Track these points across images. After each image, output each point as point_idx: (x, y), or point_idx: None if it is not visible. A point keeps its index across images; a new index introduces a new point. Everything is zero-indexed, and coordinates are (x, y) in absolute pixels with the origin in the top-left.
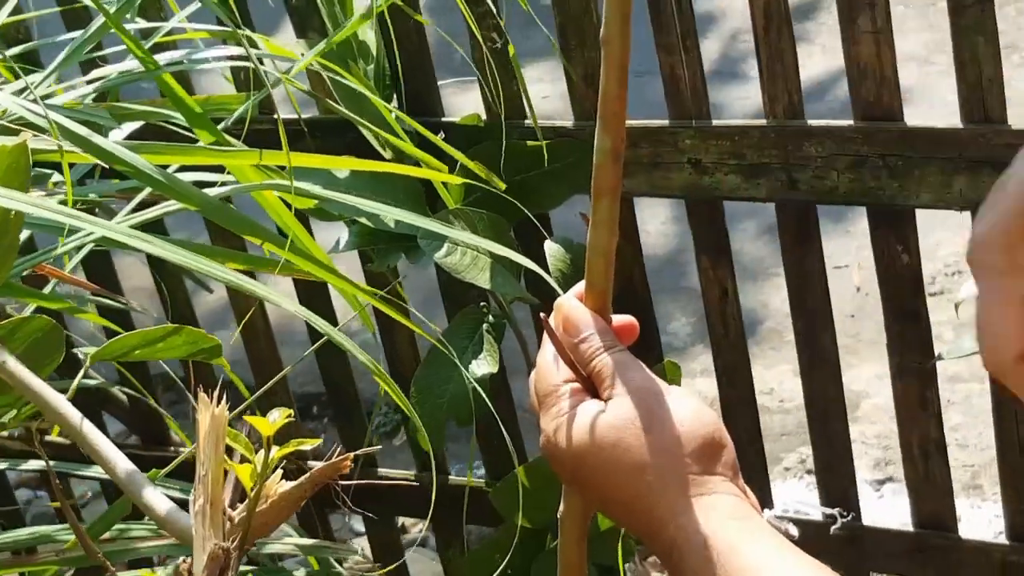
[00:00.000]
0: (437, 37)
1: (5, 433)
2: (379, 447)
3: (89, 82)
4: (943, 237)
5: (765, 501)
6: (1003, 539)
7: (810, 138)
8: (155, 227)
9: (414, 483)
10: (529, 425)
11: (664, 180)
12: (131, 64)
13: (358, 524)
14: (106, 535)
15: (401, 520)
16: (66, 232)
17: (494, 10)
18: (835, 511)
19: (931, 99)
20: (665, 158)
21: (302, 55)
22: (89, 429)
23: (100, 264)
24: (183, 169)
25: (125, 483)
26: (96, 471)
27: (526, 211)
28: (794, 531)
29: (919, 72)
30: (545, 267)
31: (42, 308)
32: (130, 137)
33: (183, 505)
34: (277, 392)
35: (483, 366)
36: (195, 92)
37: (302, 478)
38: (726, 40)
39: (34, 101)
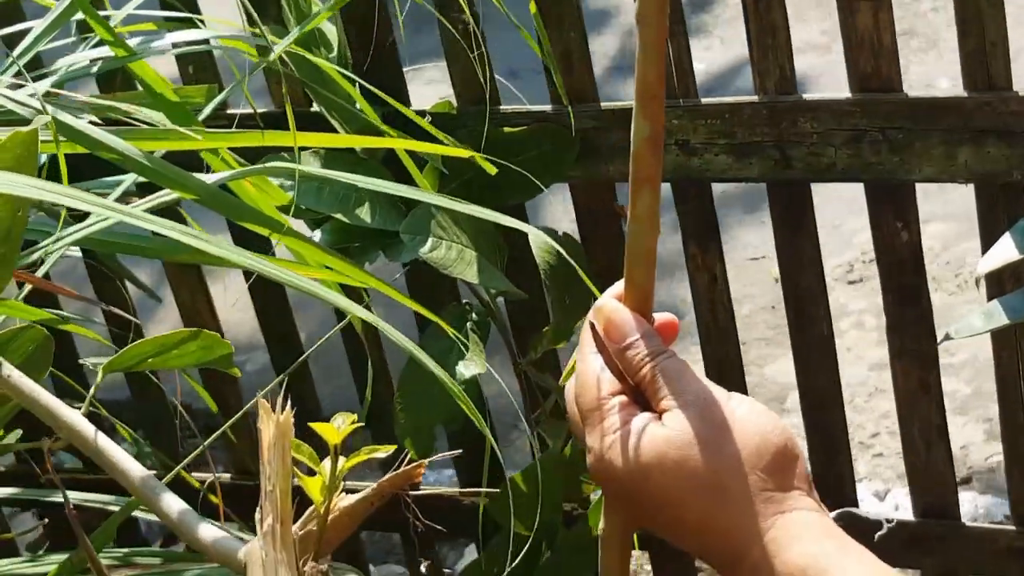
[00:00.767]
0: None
1: None
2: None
3: (43, 75)
4: (861, 223)
5: None
6: (1009, 525)
7: (805, 113)
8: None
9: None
10: (505, 428)
11: None
12: (89, 54)
13: None
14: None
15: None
16: (60, 226)
17: None
18: (882, 518)
19: (836, 87)
20: None
21: (273, 44)
22: (106, 443)
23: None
24: None
25: (176, 523)
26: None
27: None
28: None
29: (821, 60)
30: (527, 259)
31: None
32: None
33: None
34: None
35: (470, 367)
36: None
37: (367, 490)
38: (624, 35)
39: (31, 95)
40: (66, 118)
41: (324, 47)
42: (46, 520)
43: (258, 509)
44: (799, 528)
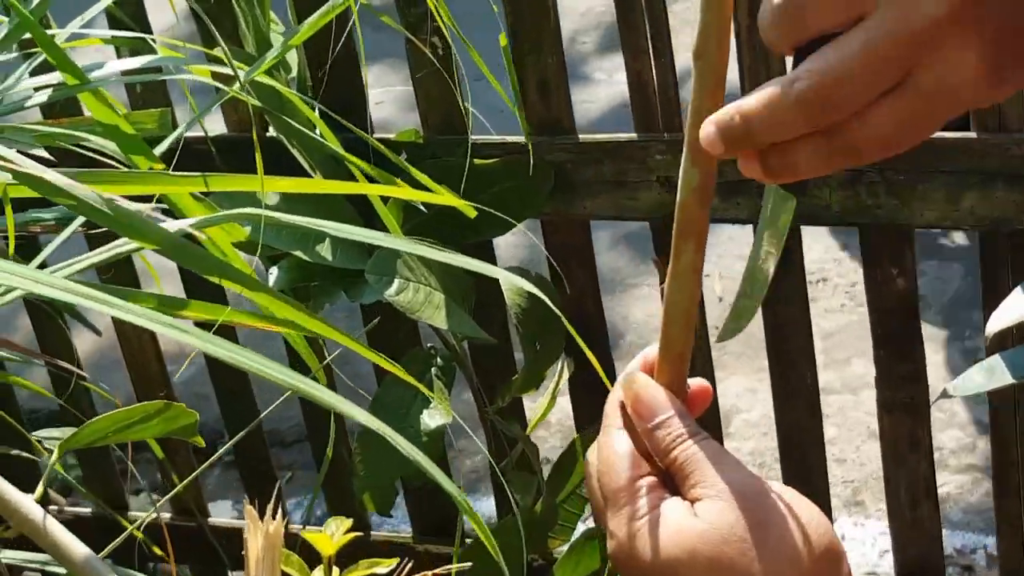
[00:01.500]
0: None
1: None
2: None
3: None
4: (807, 243)
5: None
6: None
7: None
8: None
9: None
10: (469, 481)
11: (630, 201)
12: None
13: None
14: None
15: None
16: None
17: (436, 12)
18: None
19: None
20: (631, 176)
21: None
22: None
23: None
24: None
25: None
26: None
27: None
28: None
29: None
30: (496, 301)
31: None
32: None
33: None
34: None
35: (435, 417)
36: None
37: None
38: (566, 42)
39: None
40: (13, 155)
41: (283, 69)
42: None
43: None
44: None
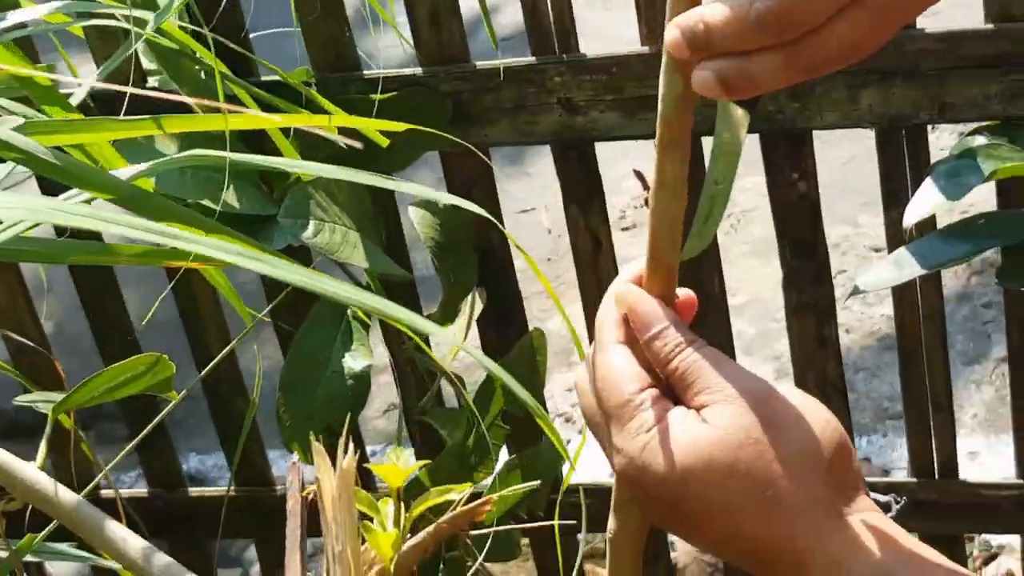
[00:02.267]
0: None
1: None
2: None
3: None
4: (626, 168)
5: None
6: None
7: None
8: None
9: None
10: (392, 420)
11: (530, 125)
12: None
13: None
14: None
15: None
16: None
17: None
18: (890, 497)
19: (605, 36)
20: (531, 100)
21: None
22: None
23: None
24: None
25: None
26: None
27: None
28: None
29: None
30: (399, 238)
31: None
32: None
33: None
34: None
35: (358, 359)
36: None
37: (422, 533)
38: None
39: None
40: None
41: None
42: None
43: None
44: (866, 534)
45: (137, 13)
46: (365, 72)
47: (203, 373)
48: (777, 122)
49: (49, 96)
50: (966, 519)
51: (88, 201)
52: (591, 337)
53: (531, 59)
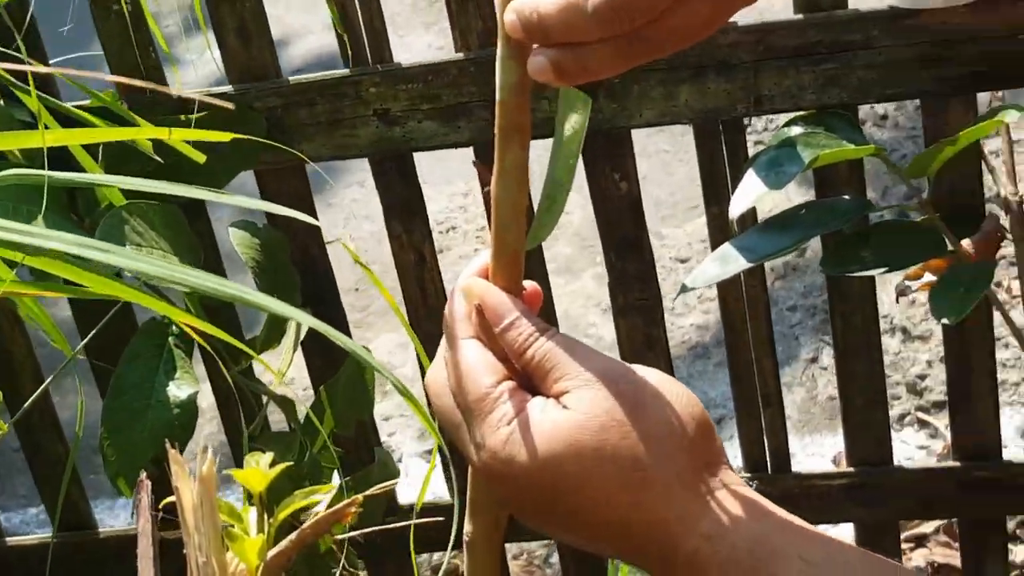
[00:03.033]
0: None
1: None
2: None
3: None
4: (455, 170)
5: None
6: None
7: None
8: None
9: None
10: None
11: (349, 139)
12: None
13: None
14: None
15: None
16: None
17: None
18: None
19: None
20: (347, 113)
21: None
22: None
23: None
24: None
25: None
26: None
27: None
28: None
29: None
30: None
31: None
32: None
33: None
34: None
35: (183, 387)
36: None
37: (290, 537)
38: None
39: None
40: None
41: None
42: None
43: None
44: (735, 507)
45: None
46: (173, 91)
47: (15, 416)
48: (596, 122)
49: None
50: (802, 512)
51: None
52: (421, 356)
53: (345, 71)
